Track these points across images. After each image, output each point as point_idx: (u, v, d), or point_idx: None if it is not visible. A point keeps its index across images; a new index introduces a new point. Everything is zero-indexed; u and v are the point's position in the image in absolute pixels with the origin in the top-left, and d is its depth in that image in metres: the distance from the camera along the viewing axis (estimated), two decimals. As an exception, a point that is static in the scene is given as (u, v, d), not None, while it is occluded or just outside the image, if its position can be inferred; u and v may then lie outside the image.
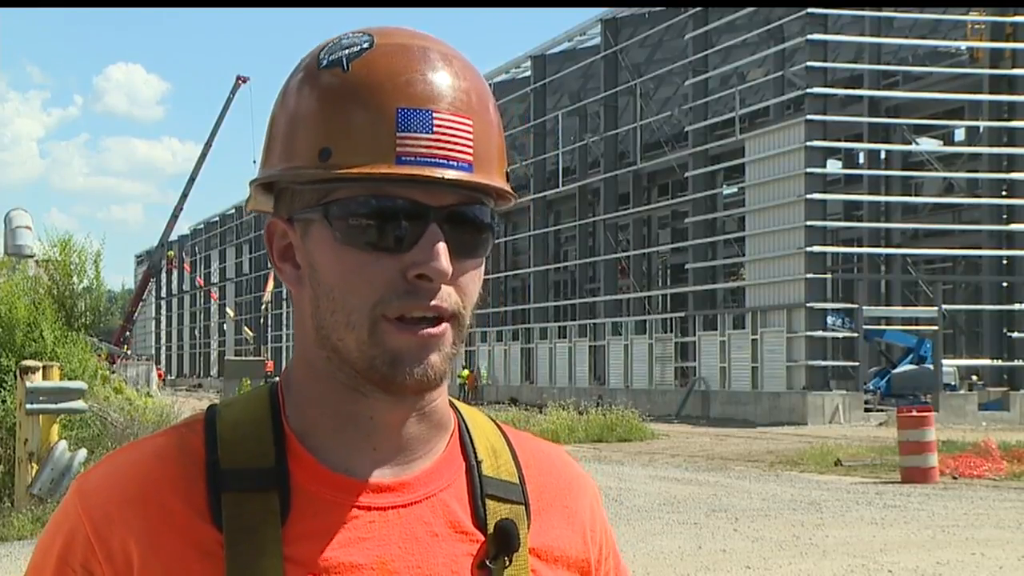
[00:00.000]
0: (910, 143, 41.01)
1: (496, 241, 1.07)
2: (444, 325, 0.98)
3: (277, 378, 1.10)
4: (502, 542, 1.03)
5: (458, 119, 0.98)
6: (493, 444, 1.11)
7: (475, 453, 1.08)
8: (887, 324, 37.81)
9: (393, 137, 0.95)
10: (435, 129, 0.96)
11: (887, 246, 41.04)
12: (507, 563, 1.03)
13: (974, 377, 37.69)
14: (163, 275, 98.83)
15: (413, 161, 0.95)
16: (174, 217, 65.16)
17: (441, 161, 0.96)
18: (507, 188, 1.02)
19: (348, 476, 1.01)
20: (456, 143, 0.97)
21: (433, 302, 0.97)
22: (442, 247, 0.96)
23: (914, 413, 17.32)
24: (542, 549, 1.08)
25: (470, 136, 0.98)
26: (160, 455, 1.01)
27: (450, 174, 0.96)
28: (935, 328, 35.76)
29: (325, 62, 0.99)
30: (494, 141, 1.02)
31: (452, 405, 1.11)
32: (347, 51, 0.98)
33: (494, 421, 1.15)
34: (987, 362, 37.98)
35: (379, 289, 0.96)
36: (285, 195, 1.02)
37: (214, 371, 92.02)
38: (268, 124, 1.04)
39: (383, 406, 1.01)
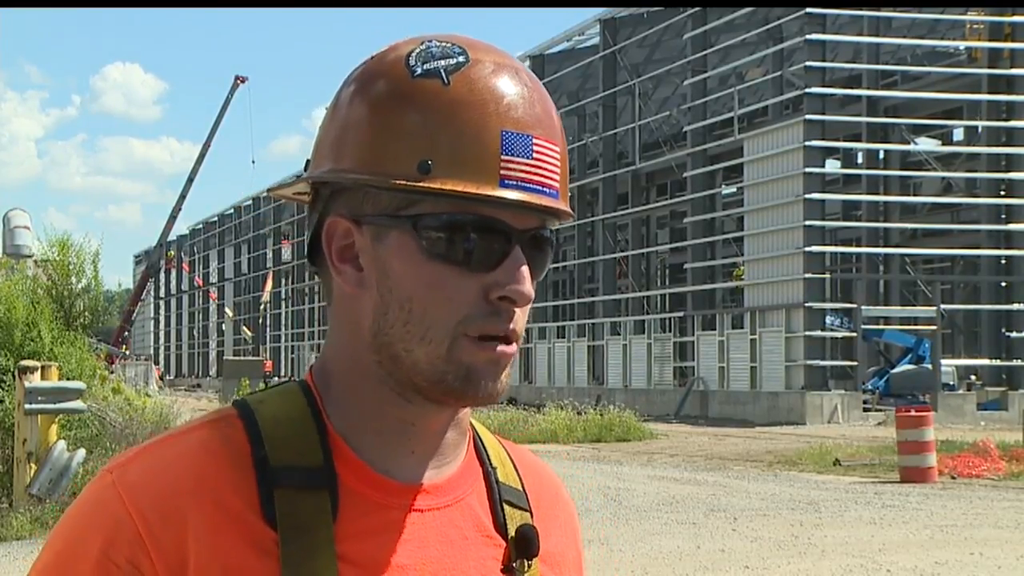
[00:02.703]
0: (909, 143, 41.01)
1: None
2: (514, 344, 1.00)
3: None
4: (523, 547, 1.06)
5: (550, 145, 1.00)
6: (499, 452, 1.14)
7: (489, 460, 1.11)
8: (886, 324, 37.81)
9: (498, 159, 0.96)
10: (534, 154, 0.98)
11: (886, 246, 41.04)
12: (527, 567, 1.06)
13: (973, 377, 37.69)
14: (162, 275, 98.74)
15: (515, 185, 0.97)
16: (173, 217, 65.12)
17: (537, 187, 0.98)
18: (572, 213, 1.05)
19: (389, 478, 1.02)
20: (549, 169, 0.99)
21: (511, 325, 0.99)
22: (527, 271, 0.99)
23: (913, 413, 17.33)
24: (546, 555, 1.10)
25: (558, 163, 1.01)
26: (208, 449, 0.99)
27: (545, 201, 0.98)
28: (934, 328, 35.77)
29: (420, 71, 0.98)
30: (567, 165, 1.04)
31: None
32: (443, 63, 0.98)
33: (488, 430, 1.19)
34: (985, 362, 37.99)
35: (462, 307, 0.98)
36: (350, 194, 1.01)
37: (213, 371, 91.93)
38: (344, 120, 1.02)
39: (426, 413, 1.02)
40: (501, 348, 0.99)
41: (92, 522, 0.98)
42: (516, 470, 1.13)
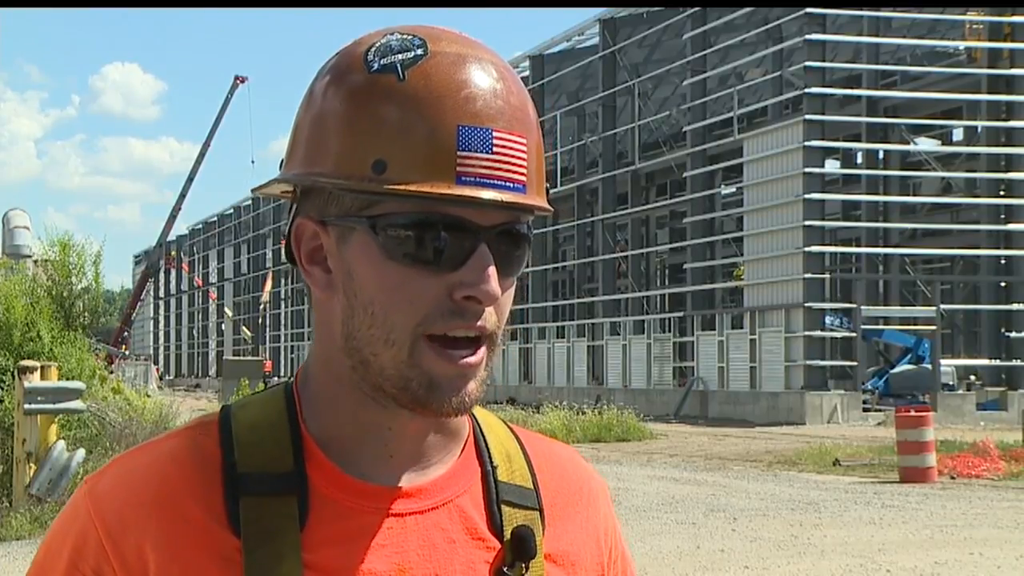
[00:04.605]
0: (908, 143, 41.00)
1: None
2: (482, 350, 0.98)
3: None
4: (519, 549, 1.03)
5: (514, 137, 0.97)
6: (507, 448, 1.10)
7: (490, 458, 1.08)
8: (885, 324, 37.80)
9: (453, 156, 0.94)
10: (494, 149, 0.95)
11: (885, 246, 41.03)
12: (524, 570, 1.03)
13: (972, 377, 37.67)
14: (161, 275, 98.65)
15: (473, 182, 0.94)
16: (172, 217, 65.13)
17: (498, 183, 0.95)
18: (549, 207, 1.01)
19: (365, 482, 1.00)
20: (512, 163, 0.96)
21: (479, 323, 0.96)
22: (493, 271, 0.96)
23: (912, 413, 17.33)
24: (557, 554, 1.07)
25: (525, 155, 0.97)
26: (175, 458, 1.00)
27: (507, 196, 0.95)
28: (933, 328, 35.75)
29: (376, 66, 0.96)
30: (541, 158, 1.01)
31: None
32: (400, 57, 0.96)
33: (506, 423, 1.14)
34: (985, 362, 37.97)
35: (423, 308, 0.95)
36: (316, 195, 1.00)
37: (212, 371, 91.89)
38: (309, 120, 1.00)
39: (403, 417, 1.00)
40: (466, 360, 0.96)
41: (65, 531, 1.00)
42: (530, 466, 1.10)
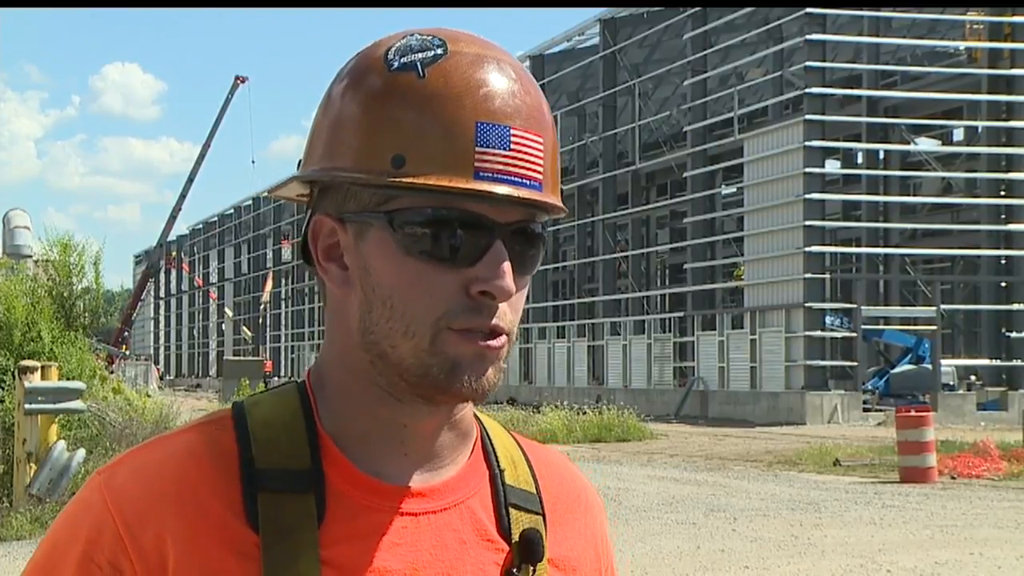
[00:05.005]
0: (908, 143, 41.01)
1: None
2: (503, 338, 0.99)
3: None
4: (527, 551, 1.04)
5: (532, 136, 0.98)
6: (511, 453, 1.11)
7: (498, 462, 1.09)
8: (885, 324, 37.80)
9: (472, 152, 0.95)
10: (512, 146, 0.96)
11: (885, 246, 41.04)
12: (531, 572, 1.04)
13: (972, 377, 37.68)
14: (162, 275, 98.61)
15: (490, 177, 0.95)
16: (173, 217, 65.07)
17: (516, 179, 0.96)
18: (563, 206, 1.02)
19: (380, 480, 1.01)
20: (529, 161, 0.97)
21: (493, 320, 0.97)
22: (507, 266, 0.96)
23: (912, 413, 17.33)
24: (559, 559, 1.08)
25: (542, 154, 0.99)
26: (192, 452, 0.99)
27: (524, 193, 0.96)
28: (933, 328, 35.77)
29: (396, 64, 0.97)
30: (556, 158, 1.02)
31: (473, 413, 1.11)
32: (420, 55, 0.97)
33: (506, 428, 1.16)
34: (985, 362, 37.98)
35: (442, 303, 0.96)
36: (335, 192, 1.01)
37: (213, 371, 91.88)
38: (328, 121, 1.01)
39: (419, 414, 1.01)
40: (487, 342, 0.97)
41: (78, 523, 0.99)
42: (532, 471, 1.11)
